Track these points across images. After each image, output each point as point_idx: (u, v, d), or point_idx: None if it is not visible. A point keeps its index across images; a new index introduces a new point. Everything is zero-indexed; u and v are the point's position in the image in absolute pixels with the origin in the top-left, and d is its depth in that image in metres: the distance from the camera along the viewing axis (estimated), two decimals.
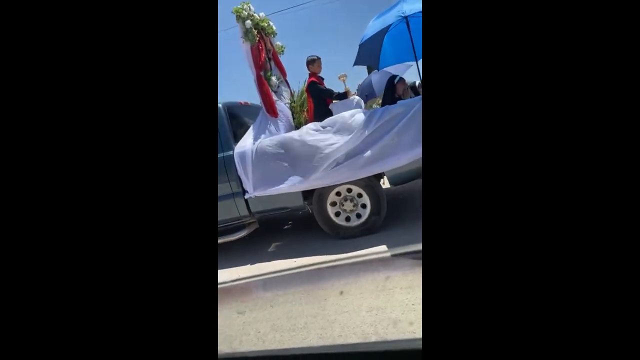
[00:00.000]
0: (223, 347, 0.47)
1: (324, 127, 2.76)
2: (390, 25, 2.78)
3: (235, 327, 0.56)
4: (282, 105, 3.32)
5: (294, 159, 2.72)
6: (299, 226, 2.96)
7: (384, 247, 2.42)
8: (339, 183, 2.72)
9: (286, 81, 3.76)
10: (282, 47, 3.89)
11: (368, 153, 2.60)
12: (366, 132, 2.61)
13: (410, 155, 2.56)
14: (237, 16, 3.01)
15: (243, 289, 0.70)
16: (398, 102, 2.82)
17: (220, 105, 3.01)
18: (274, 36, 3.77)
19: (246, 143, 2.88)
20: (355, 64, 3.32)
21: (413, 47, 2.95)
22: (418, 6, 2.49)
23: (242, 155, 2.82)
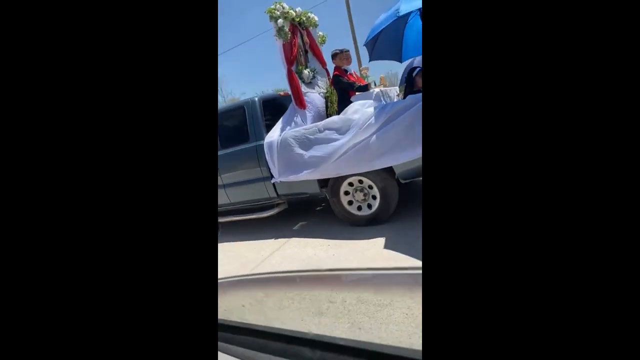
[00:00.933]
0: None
1: (337, 121, 2.93)
2: (410, 14, 2.70)
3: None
4: (313, 97, 3.55)
5: (309, 149, 2.98)
6: (328, 209, 3.25)
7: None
8: (347, 174, 2.90)
9: (326, 70, 3.95)
10: (323, 36, 4.06)
11: (375, 147, 2.70)
12: (374, 126, 2.70)
13: (419, 151, 2.57)
14: (270, 16, 3.29)
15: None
16: (408, 96, 2.79)
17: (256, 99, 3.41)
18: (315, 27, 3.96)
19: (274, 134, 3.24)
20: (372, 59, 3.32)
21: None
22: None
23: (270, 145, 3.19)
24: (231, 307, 0.62)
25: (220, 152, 3.45)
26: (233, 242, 3.45)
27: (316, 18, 3.94)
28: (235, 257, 3.05)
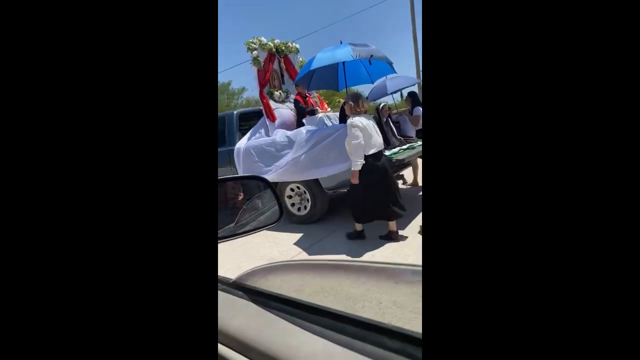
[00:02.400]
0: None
1: (285, 139, 3.67)
2: (341, 62, 3.37)
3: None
4: (283, 111, 4.27)
5: (260, 159, 3.76)
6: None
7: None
8: (286, 181, 3.64)
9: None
10: (302, 61, 4.78)
11: (305, 162, 3.41)
12: (306, 146, 3.41)
13: (336, 168, 3.24)
14: (247, 48, 4.08)
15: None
16: (332, 125, 3.45)
17: (234, 112, 4.23)
18: (296, 53, 4.69)
19: (242, 142, 4.04)
20: (310, 89, 4.02)
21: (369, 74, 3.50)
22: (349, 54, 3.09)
23: (237, 152, 4.01)
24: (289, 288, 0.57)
25: None
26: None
27: (297, 46, 4.67)
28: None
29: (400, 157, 3.25)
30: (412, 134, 4.37)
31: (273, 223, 0.89)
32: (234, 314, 0.52)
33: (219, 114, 4.61)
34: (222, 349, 0.49)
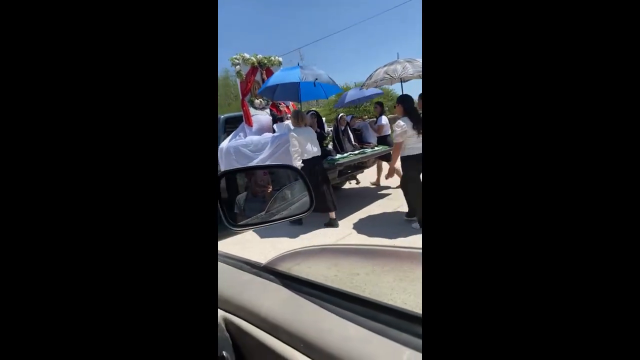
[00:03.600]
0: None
1: (256, 143, 4.41)
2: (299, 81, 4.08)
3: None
4: (260, 117, 4.99)
5: (237, 158, 4.52)
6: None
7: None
8: None
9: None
10: None
11: (268, 162, 4.13)
12: (270, 149, 4.13)
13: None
14: (231, 63, 4.83)
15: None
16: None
17: (221, 117, 5.02)
18: (279, 65, 5.39)
19: (224, 143, 4.82)
20: (275, 99, 4.73)
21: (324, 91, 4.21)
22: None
23: (220, 150, 4.78)
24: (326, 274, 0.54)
25: None
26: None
27: (280, 59, 5.37)
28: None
29: (341, 161, 3.90)
30: (373, 140, 4.97)
31: (304, 212, 0.89)
32: (265, 297, 0.52)
33: None
34: (253, 330, 0.49)
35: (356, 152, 4.39)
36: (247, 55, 4.92)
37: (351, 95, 5.97)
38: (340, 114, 4.95)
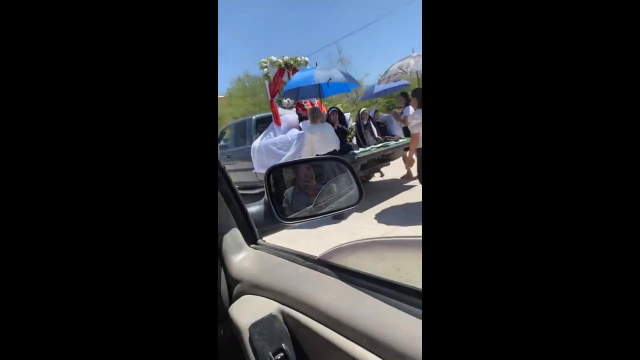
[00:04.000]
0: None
1: (284, 141, 4.71)
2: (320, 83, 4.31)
3: None
4: (288, 116, 5.29)
5: (267, 155, 4.86)
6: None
7: None
8: None
9: None
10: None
11: (296, 158, 4.41)
12: (296, 146, 4.40)
13: None
14: (260, 66, 5.17)
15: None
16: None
17: (253, 118, 5.40)
18: (305, 65, 5.64)
19: (256, 142, 5.19)
20: (299, 98, 4.93)
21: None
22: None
23: (253, 148, 5.17)
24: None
25: (235, 149, 5.60)
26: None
27: (306, 59, 5.61)
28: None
29: (362, 155, 4.04)
30: (398, 132, 5.02)
31: (353, 205, 0.87)
32: (323, 290, 0.50)
33: (242, 119, 5.82)
34: (313, 323, 0.47)
35: (379, 145, 4.49)
36: (274, 58, 5.23)
37: (378, 88, 6.03)
38: (362, 109, 5.06)
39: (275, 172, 0.88)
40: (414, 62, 3.82)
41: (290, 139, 4.59)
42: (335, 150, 3.70)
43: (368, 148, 4.36)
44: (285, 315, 0.53)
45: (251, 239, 0.78)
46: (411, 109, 5.09)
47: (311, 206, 0.94)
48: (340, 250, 0.61)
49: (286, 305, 0.54)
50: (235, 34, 44.41)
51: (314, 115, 3.69)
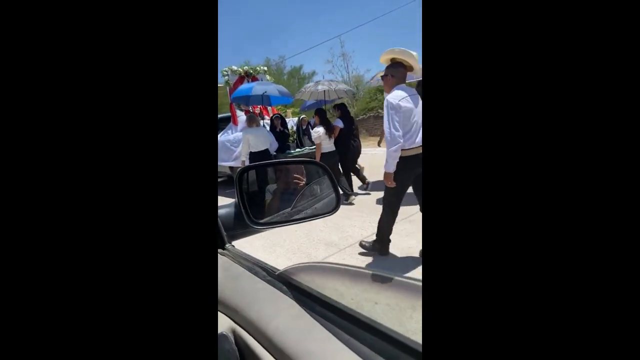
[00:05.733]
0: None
1: (232, 138, 5.56)
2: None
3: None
4: (244, 118, 6.13)
5: (222, 151, 5.72)
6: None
7: None
8: (238, 167, 5.56)
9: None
10: (270, 79, 6.59)
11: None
12: (242, 143, 5.27)
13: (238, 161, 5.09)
14: (222, 74, 6.02)
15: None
16: None
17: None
18: (264, 74, 6.51)
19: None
20: (250, 104, 5.83)
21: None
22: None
23: None
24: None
25: None
26: None
27: (265, 68, 6.49)
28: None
29: (295, 154, 4.93)
30: None
31: (328, 212, 0.83)
32: (275, 312, 0.48)
33: None
34: (260, 350, 0.45)
35: (313, 147, 5.38)
36: (234, 67, 6.09)
37: (307, 102, 6.99)
38: (302, 116, 5.95)
39: (248, 174, 0.84)
40: (321, 87, 4.97)
41: (240, 137, 5.46)
42: (267, 148, 4.57)
43: (303, 149, 5.24)
44: (236, 336, 0.50)
45: (218, 244, 0.75)
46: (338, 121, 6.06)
47: (289, 209, 0.92)
48: (307, 269, 0.56)
49: (238, 324, 0.52)
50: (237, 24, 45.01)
51: (250, 121, 4.56)
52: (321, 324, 0.43)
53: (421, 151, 2.32)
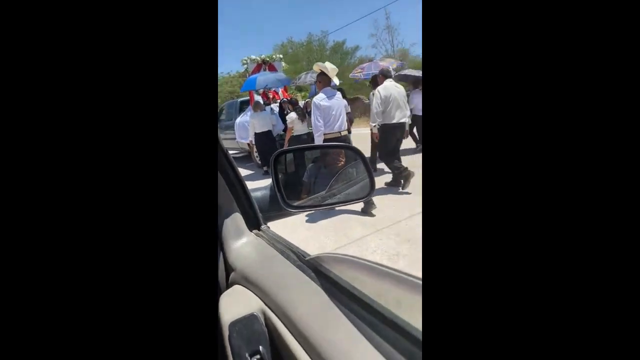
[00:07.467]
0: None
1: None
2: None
3: None
4: (261, 102, 7.13)
5: (241, 130, 6.81)
6: None
7: None
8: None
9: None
10: (285, 66, 7.48)
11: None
12: None
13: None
14: (242, 63, 7.02)
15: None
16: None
17: (238, 100, 7.34)
18: (280, 60, 7.40)
19: (238, 118, 7.12)
20: (258, 87, 6.77)
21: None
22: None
23: (235, 124, 7.12)
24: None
25: (226, 123, 7.62)
26: None
27: (280, 56, 7.36)
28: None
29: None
30: None
31: (362, 197, 0.83)
32: (302, 300, 0.49)
33: (231, 101, 7.78)
34: (286, 335, 0.46)
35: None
36: (253, 56, 7.06)
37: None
38: (308, 100, 6.78)
39: (282, 157, 0.85)
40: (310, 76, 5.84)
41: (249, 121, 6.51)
42: (269, 130, 5.57)
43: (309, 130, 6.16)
44: (266, 317, 0.51)
45: (254, 224, 0.76)
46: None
47: (324, 192, 0.93)
48: (339, 259, 0.53)
49: (268, 306, 0.52)
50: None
51: (255, 107, 5.57)
52: (345, 315, 0.42)
53: (339, 135, 3.29)
